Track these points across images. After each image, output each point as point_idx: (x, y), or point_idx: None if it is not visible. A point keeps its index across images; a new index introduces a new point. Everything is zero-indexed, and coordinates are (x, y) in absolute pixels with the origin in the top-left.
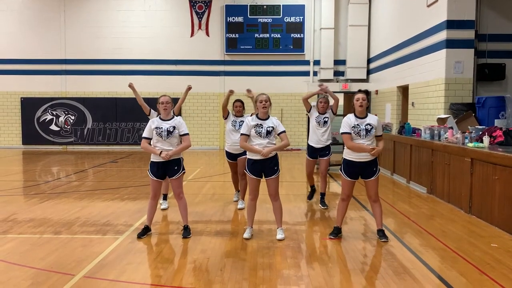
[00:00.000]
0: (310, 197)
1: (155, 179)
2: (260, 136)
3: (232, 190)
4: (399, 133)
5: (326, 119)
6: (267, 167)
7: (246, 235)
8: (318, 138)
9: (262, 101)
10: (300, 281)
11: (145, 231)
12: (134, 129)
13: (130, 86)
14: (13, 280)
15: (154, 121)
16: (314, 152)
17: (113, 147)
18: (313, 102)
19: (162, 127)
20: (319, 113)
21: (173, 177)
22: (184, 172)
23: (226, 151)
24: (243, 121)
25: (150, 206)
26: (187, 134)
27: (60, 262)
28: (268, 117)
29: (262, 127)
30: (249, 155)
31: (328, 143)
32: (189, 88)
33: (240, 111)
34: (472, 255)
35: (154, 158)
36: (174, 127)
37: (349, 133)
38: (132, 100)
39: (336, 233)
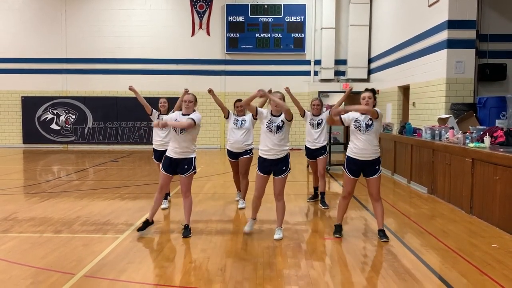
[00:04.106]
0: (311, 198)
1: (165, 173)
2: (271, 131)
3: (233, 189)
4: (400, 133)
5: (320, 121)
6: (276, 166)
7: (246, 228)
8: (314, 139)
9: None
10: (301, 280)
11: (145, 225)
12: (134, 128)
13: (131, 88)
14: (14, 279)
15: (175, 115)
16: (311, 153)
17: (114, 146)
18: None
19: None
20: (313, 115)
21: (183, 175)
22: (194, 172)
23: (227, 150)
24: (245, 120)
25: (156, 199)
26: (192, 119)
27: (60, 261)
28: (280, 114)
29: (273, 123)
30: (260, 153)
31: (325, 143)
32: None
33: (242, 110)
34: (473, 256)
35: (168, 153)
36: None
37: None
38: (132, 99)
39: (340, 231)
